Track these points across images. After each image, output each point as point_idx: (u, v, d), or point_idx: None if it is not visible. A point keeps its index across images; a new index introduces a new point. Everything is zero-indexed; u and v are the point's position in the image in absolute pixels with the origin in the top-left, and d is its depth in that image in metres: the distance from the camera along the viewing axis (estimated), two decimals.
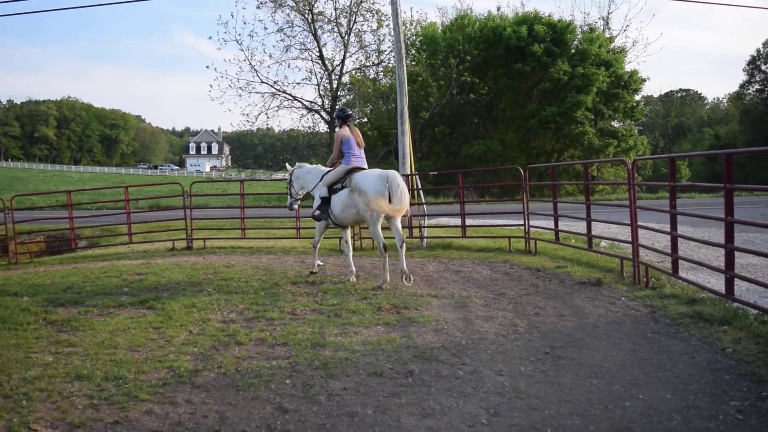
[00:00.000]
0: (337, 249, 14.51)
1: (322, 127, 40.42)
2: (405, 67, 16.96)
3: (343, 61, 38.63)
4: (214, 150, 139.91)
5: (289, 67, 53.29)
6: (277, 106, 39.69)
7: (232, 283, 10.37)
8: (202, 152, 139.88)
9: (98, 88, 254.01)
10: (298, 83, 51.62)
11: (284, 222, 20.24)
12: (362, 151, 10.61)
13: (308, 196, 11.45)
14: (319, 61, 38.58)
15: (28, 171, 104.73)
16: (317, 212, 10.51)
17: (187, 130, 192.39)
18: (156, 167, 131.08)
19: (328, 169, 10.84)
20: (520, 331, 7.17)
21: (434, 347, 6.68)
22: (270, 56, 50.61)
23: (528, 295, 8.91)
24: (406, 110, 16.71)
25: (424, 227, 14.99)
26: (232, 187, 49.69)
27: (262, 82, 37.87)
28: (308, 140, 40.34)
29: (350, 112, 10.95)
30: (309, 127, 40.49)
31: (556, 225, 12.99)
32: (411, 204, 14.61)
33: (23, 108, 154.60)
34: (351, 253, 10.85)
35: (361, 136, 10.73)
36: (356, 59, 39.79)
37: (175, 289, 10.03)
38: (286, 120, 63.44)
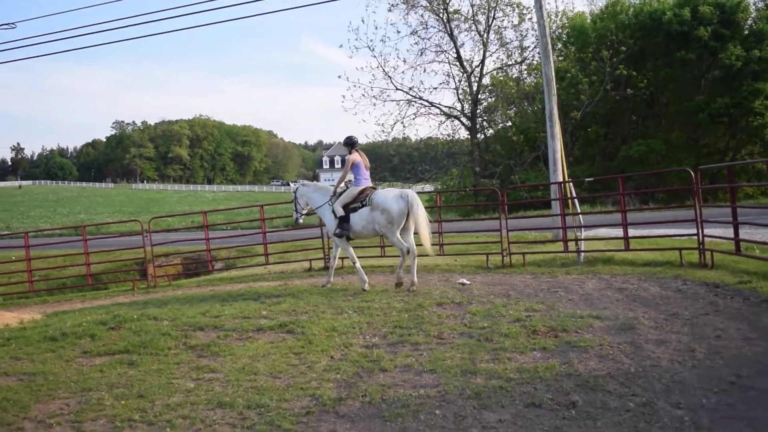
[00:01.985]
0: (483, 267, 14.43)
1: (463, 134, 40.48)
2: (552, 63, 16.69)
3: (482, 61, 38.58)
4: None
5: (424, 71, 53.65)
6: (414, 114, 40.08)
7: (374, 304, 10.53)
8: (336, 166, 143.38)
9: (229, 104, 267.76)
10: (434, 88, 51.95)
11: None
12: (368, 172, 12.82)
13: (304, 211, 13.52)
14: (457, 63, 38.71)
15: (163, 192, 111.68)
16: (338, 230, 12.46)
17: (320, 143, 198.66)
18: (289, 184, 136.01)
19: (333, 187, 13.09)
20: (699, 357, 6.79)
21: (599, 375, 6.45)
22: (404, 61, 51.35)
23: (706, 315, 8.43)
24: (555, 111, 16.42)
25: (581, 240, 14.60)
26: None
27: (397, 89, 38.45)
28: (448, 148, 40.49)
29: (356, 139, 13.05)
30: (448, 135, 40.65)
31: (737, 233, 12.25)
32: (564, 215, 14.42)
33: (157, 129, 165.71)
34: (359, 264, 12.74)
35: (367, 159, 12.95)
36: (497, 58, 39.72)
37: (314, 311, 10.31)
38: (424, 128, 64.45)
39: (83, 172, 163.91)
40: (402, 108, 39.85)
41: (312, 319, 9.76)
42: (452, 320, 9.10)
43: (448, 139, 40.60)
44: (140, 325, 10.21)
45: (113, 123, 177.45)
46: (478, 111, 39.86)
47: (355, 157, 12.78)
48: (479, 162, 38.95)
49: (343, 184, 13.09)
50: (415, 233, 12.16)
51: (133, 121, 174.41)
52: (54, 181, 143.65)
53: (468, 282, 12.18)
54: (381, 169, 45.83)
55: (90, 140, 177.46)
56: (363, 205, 12.29)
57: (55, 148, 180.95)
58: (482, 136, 41.48)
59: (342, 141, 13.29)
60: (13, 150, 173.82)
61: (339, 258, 16.54)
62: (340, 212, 12.45)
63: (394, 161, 45.60)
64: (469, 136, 40.07)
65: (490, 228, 18.15)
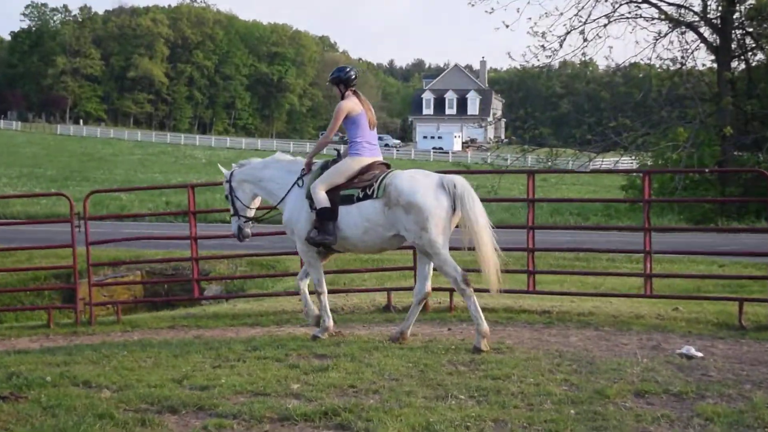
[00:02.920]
0: (733, 325, 14.21)
1: (702, 60, 39.97)
2: None
3: None
4: (472, 106, 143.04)
5: None
6: (606, 17, 39.68)
7: (509, 385, 10.46)
8: (448, 110, 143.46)
9: None
10: None
11: (617, 260, 20.14)
12: (375, 134, 13.43)
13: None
14: None
15: (115, 143, 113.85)
16: (314, 233, 13.08)
17: (418, 65, 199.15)
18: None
19: (305, 161, 13.69)
20: None
21: None
22: None
23: None
24: None
25: None
26: (506, 182, 50.06)
27: None
28: (670, 87, 39.99)
29: (352, 73, 13.54)
30: (672, 61, 40.16)
31: None
32: None
33: (108, 23, 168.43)
34: (326, 298, 14.15)
35: (372, 110, 13.54)
36: None
37: (392, 390, 10.30)
38: (624, 45, 62.53)
39: None
40: (582, 4, 39.55)
41: (386, 405, 9.74)
42: (665, 428, 8.98)
43: (671, 69, 40.10)
44: (58, 395, 10.36)
45: (26, 8, 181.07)
46: (737, 16, 39.29)
47: (352, 104, 13.24)
48: (733, 117, 38.39)
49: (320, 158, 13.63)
50: (470, 248, 12.69)
51: (65, 6, 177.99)
52: None
53: (699, 354, 12.00)
54: (535, 121, 45.58)
55: None
56: (367, 195, 12.83)
57: None
58: (742, 67, 40.88)
59: (330, 76, 13.65)
60: None
61: (445, 290, 16.54)
62: (323, 201, 12.91)
63: (560, 107, 45.48)
64: (716, 65, 39.54)
65: (748, 248, 17.83)
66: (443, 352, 12.29)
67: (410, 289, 16.44)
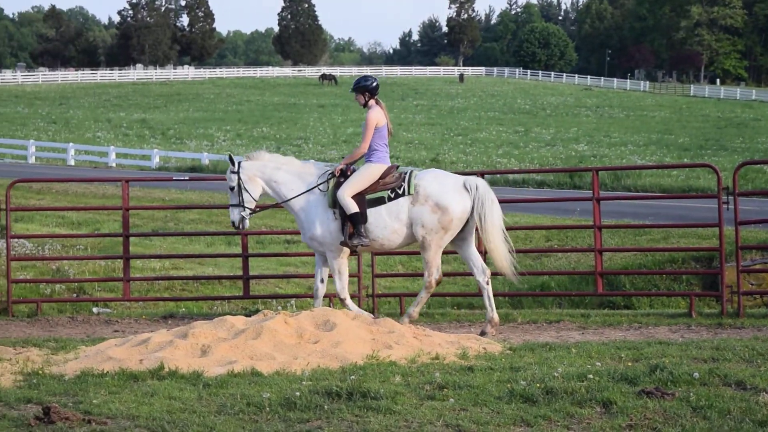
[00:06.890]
0: None
1: None
2: None
3: None
4: None
5: None
6: None
7: None
8: None
9: None
10: None
11: None
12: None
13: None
14: None
15: (758, 106, 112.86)
16: (352, 237, 15.17)
17: None
18: None
19: (327, 167, 16.28)
20: None
21: None
22: None
23: None
24: None
25: None
26: None
27: None
28: None
29: (375, 82, 16.23)
30: None
31: None
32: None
33: None
34: (350, 301, 16.39)
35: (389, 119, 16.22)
36: None
37: None
38: None
39: (583, 52, 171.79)
40: None
41: None
42: None
43: None
44: (708, 395, 10.76)
45: None
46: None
47: (379, 115, 16.00)
48: None
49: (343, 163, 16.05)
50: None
51: None
52: (520, 70, 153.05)
53: None
54: None
55: None
56: (398, 195, 15.15)
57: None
58: None
59: (354, 84, 16.37)
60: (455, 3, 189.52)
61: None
62: (352, 207, 15.02)
63: None
64: None
65: None
66: None
67: None
